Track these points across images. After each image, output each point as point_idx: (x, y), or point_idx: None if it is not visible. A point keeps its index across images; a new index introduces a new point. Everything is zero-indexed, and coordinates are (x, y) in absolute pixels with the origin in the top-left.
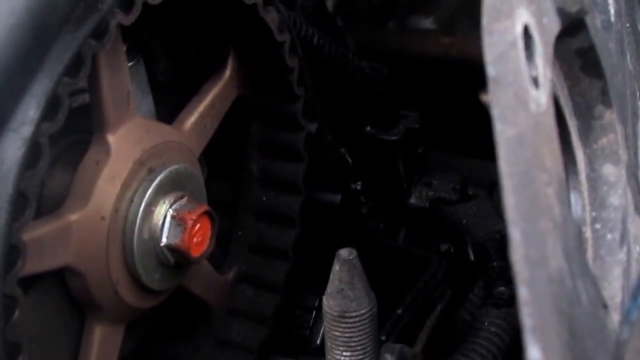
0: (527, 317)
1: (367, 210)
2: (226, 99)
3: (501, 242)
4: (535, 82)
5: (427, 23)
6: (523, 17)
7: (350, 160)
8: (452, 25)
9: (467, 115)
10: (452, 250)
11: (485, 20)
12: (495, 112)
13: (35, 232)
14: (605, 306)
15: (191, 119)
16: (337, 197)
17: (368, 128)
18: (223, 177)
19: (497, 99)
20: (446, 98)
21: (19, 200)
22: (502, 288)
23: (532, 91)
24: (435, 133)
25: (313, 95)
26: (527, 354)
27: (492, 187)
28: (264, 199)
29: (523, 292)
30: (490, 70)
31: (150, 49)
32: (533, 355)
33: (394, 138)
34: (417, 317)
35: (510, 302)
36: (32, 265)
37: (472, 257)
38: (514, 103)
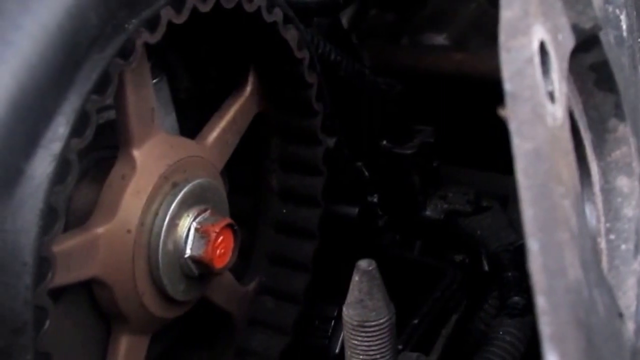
0: (545, 326)
1: (383, 222)
2: (247, 115)
3: (515, 253)
4: (552, 97)
5: (440, 39)
6: (539, 33)
7: (366, 173)
8: (464, 42)
9: (480, 130)
10: (466, 261)
11: (502, 37)
12: (513, 127)
13: (64, 245)
14: (620, 315)
15: (213, 134)
16: (355, 210)
17: (384, 142)
18: (244, 191)
19: (514, 114)
20: (459, 113)
21: (49, 214)
22: (516, 298)
23: (549, 106)
24: (450, 147)
25: (331, 110)
26: None
27: (505, 199)
28: (284, 212)
29: (541, 302)
30: (508, 86)
31: (173, 67)
32: None
33: (409, 152)
34: (433, 326)
35: (524, 311)
36: (60, 277)
37: (486, 268)
38: (531, 118)
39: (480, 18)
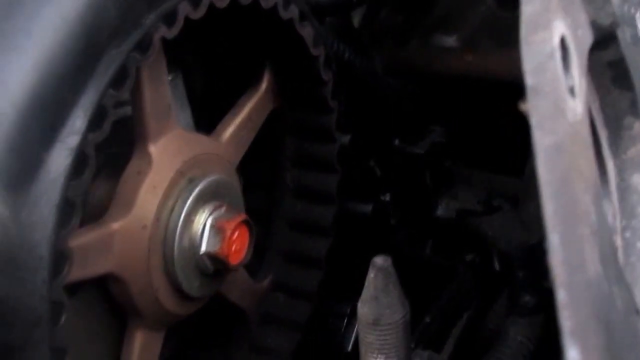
0: (566, 320)
1: (395, 221)
2: (262, 112)
3: (526, 252)
4: (572, 91)
5: (450, 41)
6: (560, 29)
7: (378, 172)
8: (474, 43)
9: (490, 131)
10: (477, 260)
11: (523, 32)
12: (534, 121)
13: (80, 240)
14: (637, 312)
15: (229, 130)
16: (368, 208)
17: (396, 142)
18: (258, 187)
19: (535, 108)
20: (469, 114)
21: (66, 208)
22: (526, 297)
23: (569, 101)
24: (461, 148)
25: (346, 108)
26: (566, 356)
27: (515, 199)
28: (298, 209)
29: (562, 296)
30: (529, 80)
31: (189, 63)
32: (572, 357)
33: (421, 151)
34: (444, 325)
35: (534, 310)
36: (76, 272)
37: (497, 267)
38: (552, 112)
39: (490, 20)
